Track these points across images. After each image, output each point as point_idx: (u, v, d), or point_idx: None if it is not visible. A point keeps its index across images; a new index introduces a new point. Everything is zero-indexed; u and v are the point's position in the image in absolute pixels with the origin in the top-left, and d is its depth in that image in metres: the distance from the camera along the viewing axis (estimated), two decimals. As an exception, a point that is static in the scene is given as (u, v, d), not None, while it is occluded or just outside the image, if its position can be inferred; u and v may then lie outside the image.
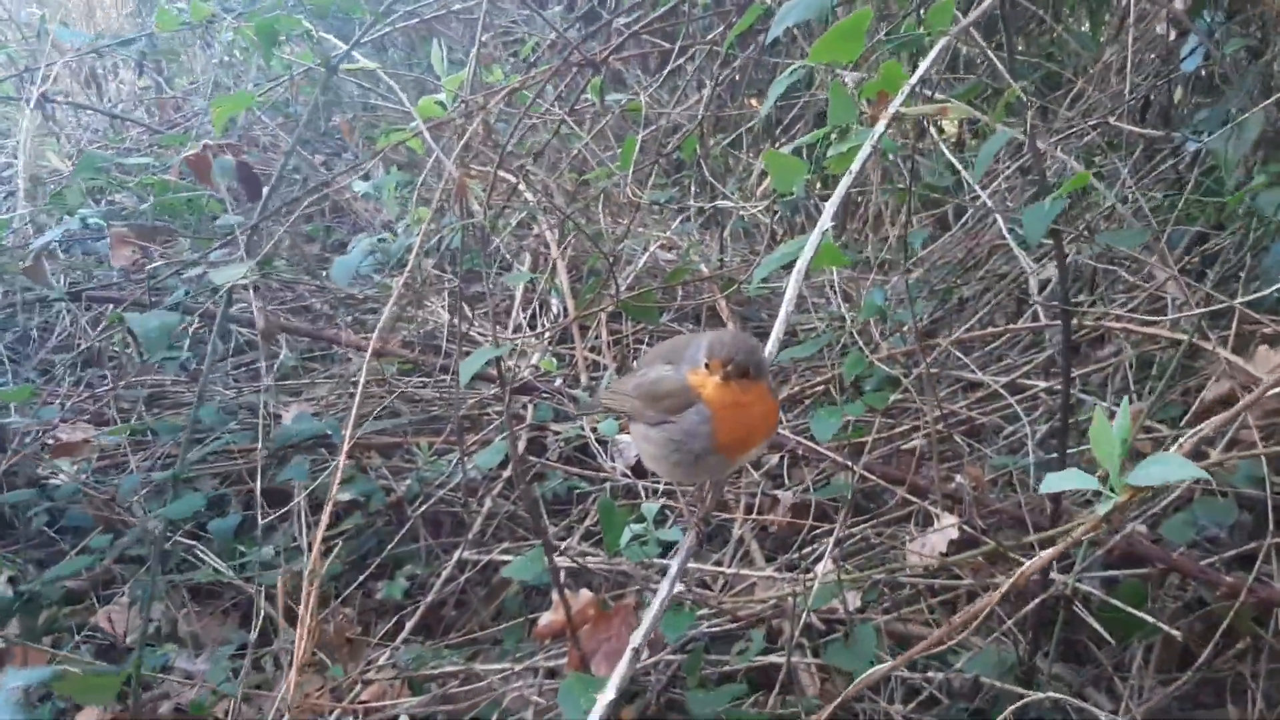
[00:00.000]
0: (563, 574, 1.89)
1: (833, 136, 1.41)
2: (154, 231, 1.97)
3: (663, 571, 1.90)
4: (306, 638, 1.36)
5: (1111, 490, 0.73)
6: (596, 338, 2.65)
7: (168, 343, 1.46)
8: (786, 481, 2.13)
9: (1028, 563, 0.78)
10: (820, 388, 2.34)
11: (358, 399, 1.46)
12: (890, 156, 2.52)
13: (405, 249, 1.64)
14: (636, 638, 0.75)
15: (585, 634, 1.59)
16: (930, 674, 1.52)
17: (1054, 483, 0.75)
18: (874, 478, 1.83)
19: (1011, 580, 0.79)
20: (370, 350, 1.47)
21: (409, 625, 1.95)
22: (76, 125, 3.85)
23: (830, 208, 0.92)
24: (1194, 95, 2.54)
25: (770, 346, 0.88)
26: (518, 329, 2.67)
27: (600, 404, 1.21)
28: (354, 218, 3.29)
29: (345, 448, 1.46)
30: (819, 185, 2.97)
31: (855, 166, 0.94)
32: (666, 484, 2.11)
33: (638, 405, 1.06)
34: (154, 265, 2.01)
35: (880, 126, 0.97)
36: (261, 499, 2.25)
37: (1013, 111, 2.68)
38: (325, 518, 1.37)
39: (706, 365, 0.99)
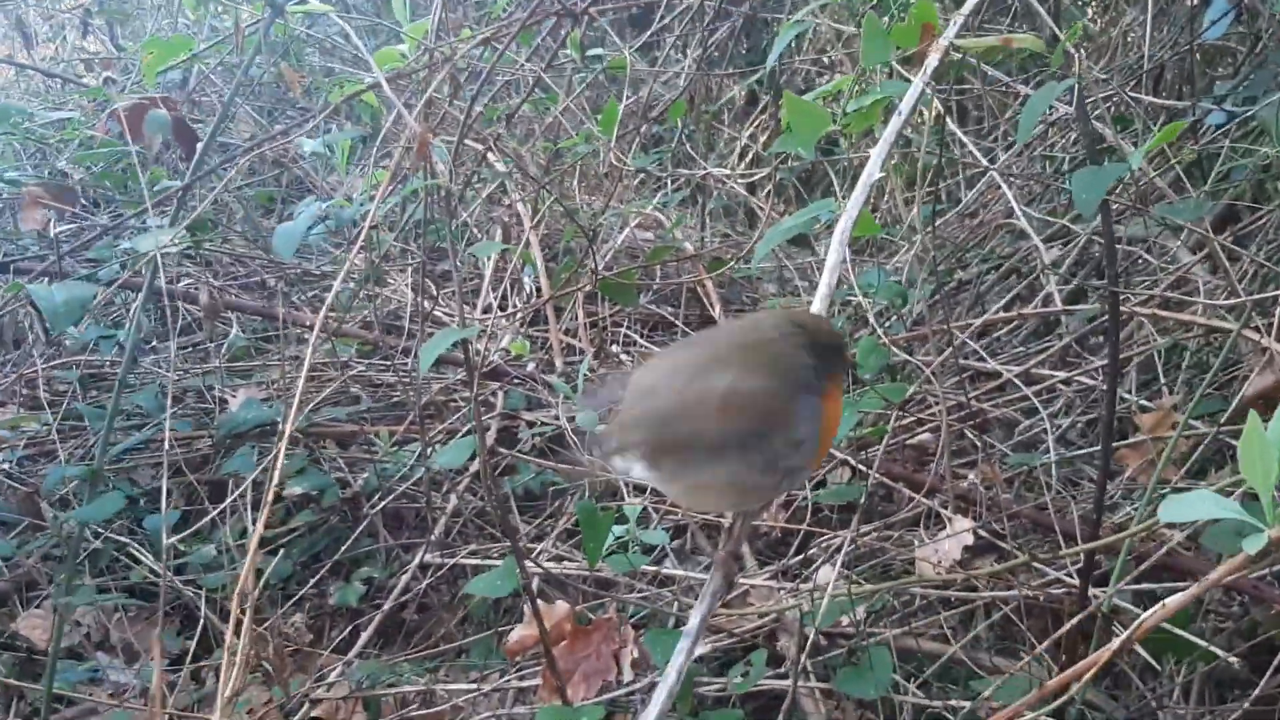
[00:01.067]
0: (536, 581, 1.72)
1: (851, 90, 1.24)
2: (70, 191, 1.76)
3: (646, 579, 1.73)
4: (239, 663, 1.17)
5: (1265, 521, 0.56)
6: (572, 320, 2.47)
7: (78, 318, 1.26)
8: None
9: (1148, 613, 0.61)
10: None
11: (302, 379, 1.27)
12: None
13: (360, 217, 1.44)
14: (651, 714, 0.57)
15: (561, 652, 1.41)
16: (953, 701, 1.36)
17: (1182, 510, 0.58)
18: (882, 477, 1.66)
19: (1129, 632, 0.62)
20: (317, 327, 1.28)
21: (364, 636, 1.76)
22: (22, 91, 3.62)
23: (878, 155, 0.74)
24: (1213, 66, 2.39)
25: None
26: (487, 310, 2.48)
27: (636, 440, 0.89)
28: (315, 192, 3.08)
29: (286, 431, 1.26)
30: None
31: (905, 107, 0.76)
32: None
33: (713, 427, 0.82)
34: (63, 229, 1.79)
35: (933, 61, 0.78)
36: (206, 493, 2.05)
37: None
38: (260, 523, 1.18)
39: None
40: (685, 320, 2.63)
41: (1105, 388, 1.36)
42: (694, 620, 0.62)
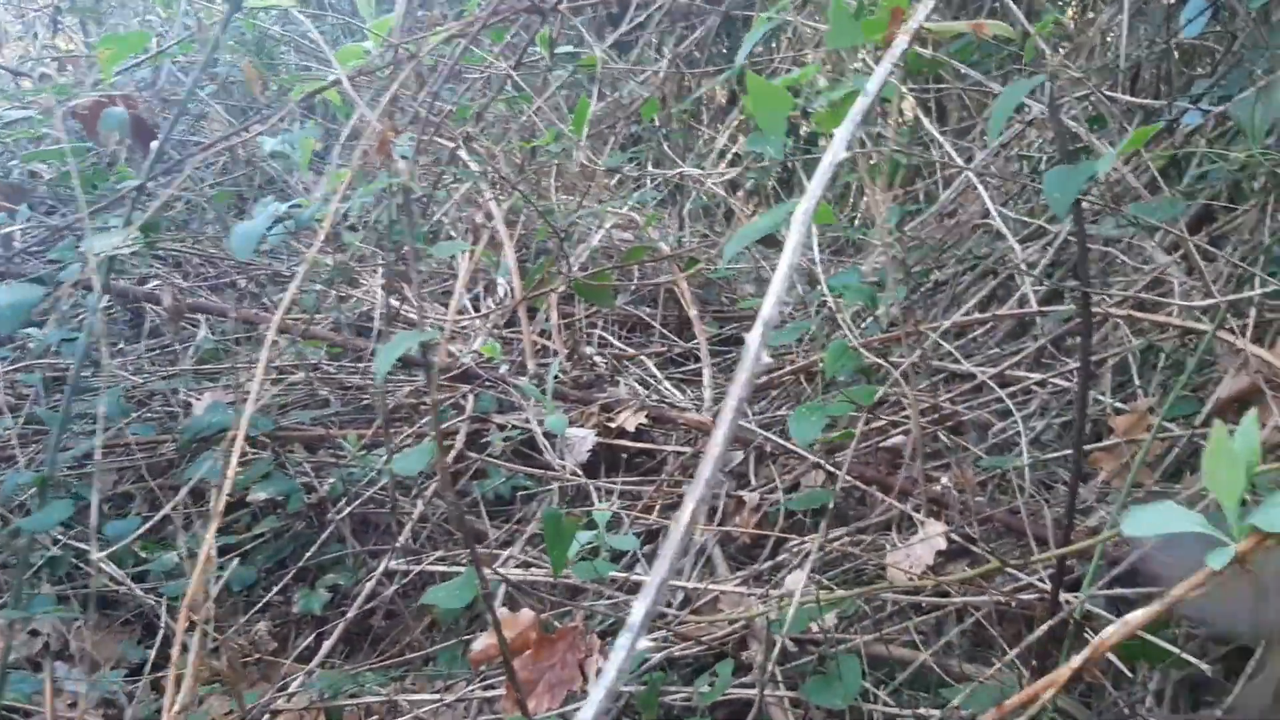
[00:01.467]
0: (504, 588, 1.68)
1: (820, 84, 1.21)
2: (21, 191, 1.72)
3: (616, 585, 1.70)
4: (190, 675, 1.14)
5: (1231, 536, 0.53)
6: (546, 321, 2.43)
7: (22, 321, 1.23)
8: (752, 481, 1.93)
9: (1110, 629, 0.58)
10: (789, 378, 2.16)
11: (257, 381, 1.23)
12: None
13: (319, 217, 1.41)
14: (587, 715, 0.54)
15: (524, 662, 1.38)
16: (923, 710, 1.33)
17: (1144, 524, 0.56)
18: (853, 480, 1.63)
19: (1090, 646, 0.60)
20: (273, 328, 1.24)
21: (326, 645, 1.72)
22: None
23: (842, 136, 0.70)
24: (1191, 65, 2.38)
25: (759, 327, 0.67)
26: (460, 311, 2.44)
27: None
28: (290, 192, 3.03)
29: (240, 435, 1.22)
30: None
31: (873, 88, 0.73)
32: (624, 484, 1.90)
33: None
34: (15, 229, 1.75)
35: (901, 43, 0.76)
36: (169, 498, 2.01)
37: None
38: (212, 531, 1.14)
39: None
40: (663, 321, 2.60)
41: (1078, 389, 1.34)
42: (637, 613, 0.57)
